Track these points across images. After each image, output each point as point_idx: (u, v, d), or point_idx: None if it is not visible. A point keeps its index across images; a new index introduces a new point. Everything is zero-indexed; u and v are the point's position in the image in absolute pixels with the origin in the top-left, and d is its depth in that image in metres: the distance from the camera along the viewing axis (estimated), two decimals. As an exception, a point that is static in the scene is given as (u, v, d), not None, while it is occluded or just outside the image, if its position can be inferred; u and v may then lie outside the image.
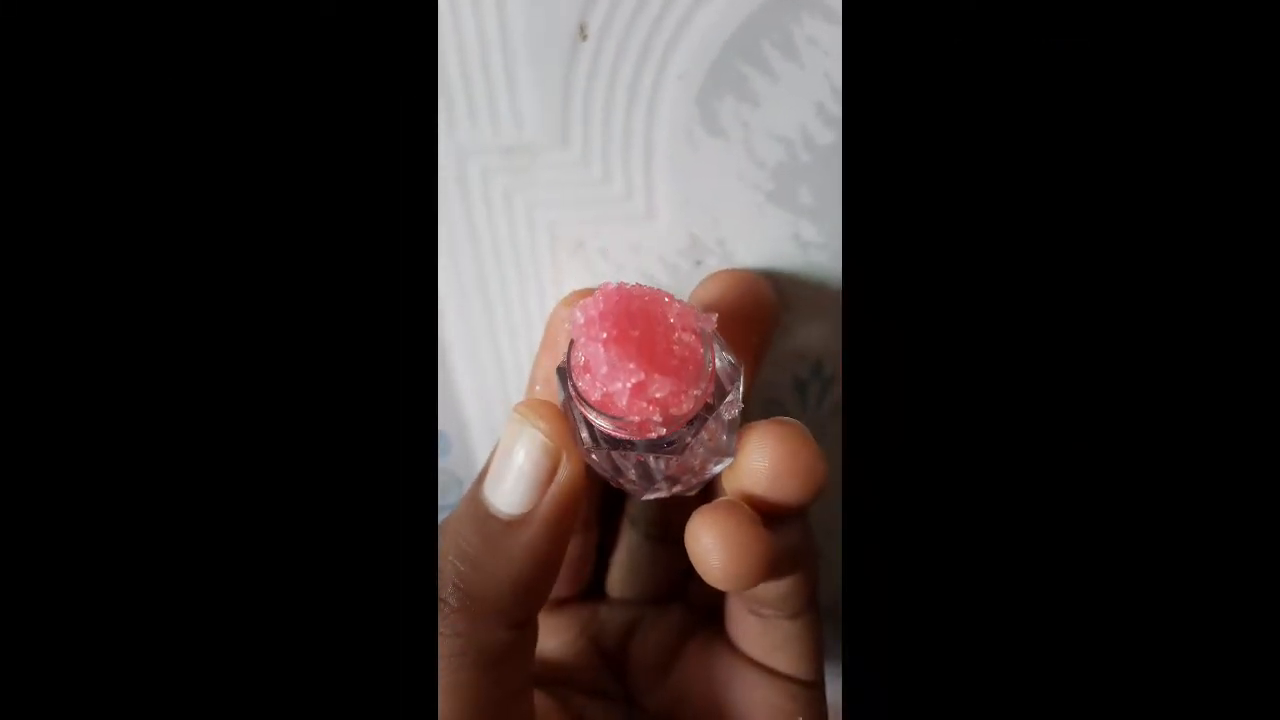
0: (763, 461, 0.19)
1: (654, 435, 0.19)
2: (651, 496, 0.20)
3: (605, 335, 0.18)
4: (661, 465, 0.19)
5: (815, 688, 0.24)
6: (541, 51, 0.20)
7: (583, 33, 0.20)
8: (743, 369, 0.20)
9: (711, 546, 0.19)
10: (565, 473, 0.19)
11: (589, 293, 0.23)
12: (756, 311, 0.22)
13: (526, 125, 0.21)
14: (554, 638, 0.26)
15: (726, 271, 0.22)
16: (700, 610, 0.26)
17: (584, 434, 0.19)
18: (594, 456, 0.20)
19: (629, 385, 0.18)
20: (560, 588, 0.26)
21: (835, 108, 0.21)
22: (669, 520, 0.25)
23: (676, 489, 0.20)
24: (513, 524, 0.19)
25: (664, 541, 0.26)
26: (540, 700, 0.24)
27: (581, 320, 0.19)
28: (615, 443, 0.19)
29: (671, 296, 0.19)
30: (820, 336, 0.25)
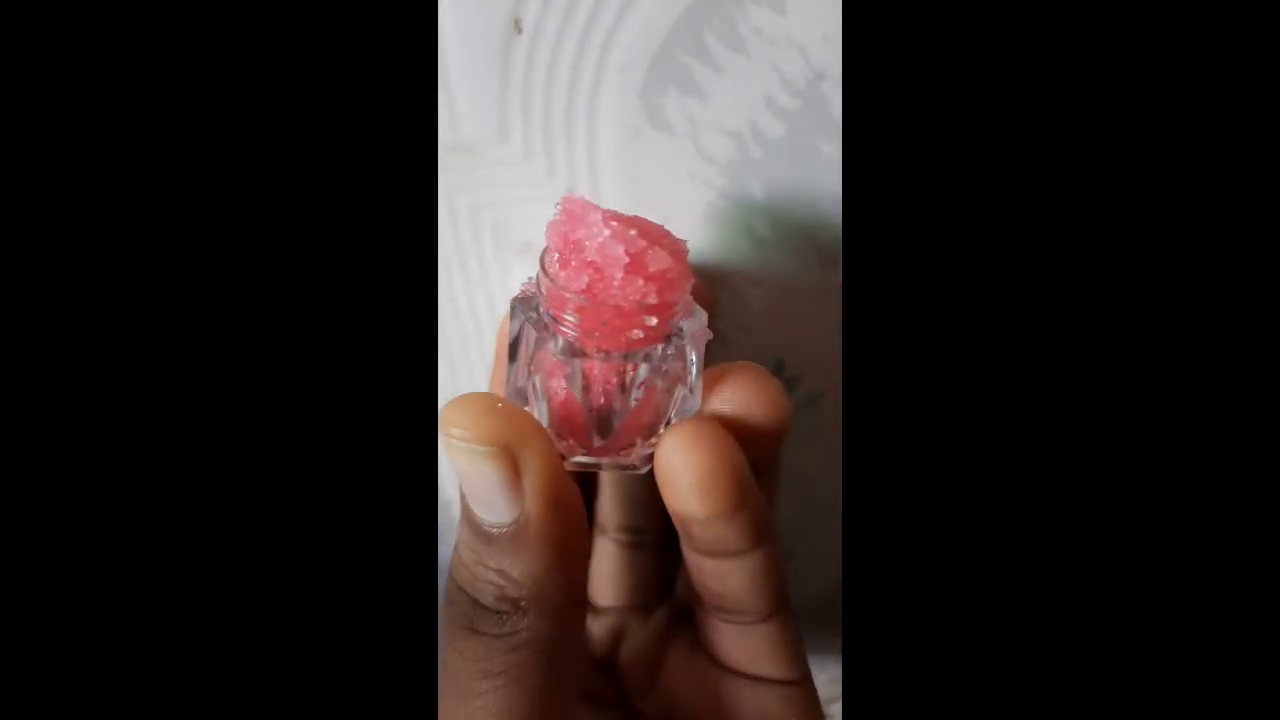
0: (730, 402, 0.19)
1: (635, 336, 0.17)
2: (613, 465, 0.20)
3: (601, 215, 0.17)
4: (638, 383, 0.18)
5: (802, 684, 0.23)
6: (474, 46, 0.19)
7: (517, 26, 0.19)
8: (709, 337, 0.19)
9: (678, 450, 0.18)
10: (533, 463, 0.18)
11: None
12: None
13: (464, 123, 0.20)
14: None
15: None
16: (683, 612, 0.26)
17: (553, 348, 0.18)
18: (558, 387, 0.18)
19: (627, 253, 0.17)
20: None
21: (786, 100, 0.20)
22: (636, 525, 0.25)
23: (634, 450, 0.19)
24: (518, 528, 0.18)
25: (637, 548, 0.26)
26: None
27: (572, 209, 0.17)
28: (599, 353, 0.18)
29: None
30: (779, 333, 0.25)
